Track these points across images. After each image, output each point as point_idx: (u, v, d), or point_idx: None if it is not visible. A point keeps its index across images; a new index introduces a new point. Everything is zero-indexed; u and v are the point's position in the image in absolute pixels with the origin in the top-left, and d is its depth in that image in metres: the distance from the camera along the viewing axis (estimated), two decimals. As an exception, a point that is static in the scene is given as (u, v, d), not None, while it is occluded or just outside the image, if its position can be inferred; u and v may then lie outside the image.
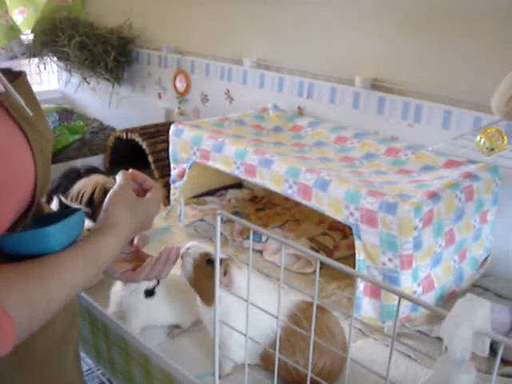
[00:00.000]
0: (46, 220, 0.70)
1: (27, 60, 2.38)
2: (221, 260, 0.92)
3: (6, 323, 0.56)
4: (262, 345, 0.89)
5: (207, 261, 0.94)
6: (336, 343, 0.91)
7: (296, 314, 0.91)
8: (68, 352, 0.85)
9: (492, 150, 1.02)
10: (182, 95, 2.07)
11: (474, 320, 0.49)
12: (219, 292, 0.82)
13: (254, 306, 0.78)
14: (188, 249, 0.96)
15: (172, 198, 1.52)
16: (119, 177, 0.80)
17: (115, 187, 0.78)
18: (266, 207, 1.64)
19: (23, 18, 2.21)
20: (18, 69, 0.75)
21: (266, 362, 0.93)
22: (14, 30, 2.26)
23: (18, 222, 0.67)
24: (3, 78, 0.65)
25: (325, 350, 0.89)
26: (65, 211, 0.75)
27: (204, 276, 0.93)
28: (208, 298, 0.93)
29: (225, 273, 0.91)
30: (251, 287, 0.79)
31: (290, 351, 0.89)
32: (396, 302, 1.04)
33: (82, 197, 1.30)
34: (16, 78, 0.71)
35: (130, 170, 0.83)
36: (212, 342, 0.86)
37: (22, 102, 0.67)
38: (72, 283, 0.65)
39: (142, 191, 0.83)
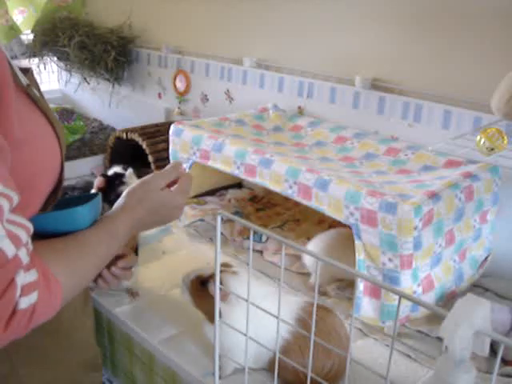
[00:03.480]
0: (65, 204, 0.80)
1: (27, 60, 2.38)
2: (210, 276, 0.93)
3: (56, 288, 0.64)
4: (272, 352, 0.88)
5: (201, 283, 0.95)
6: (342, 344, 0.91)
7: (303, 317, 0.91)
8: (88, 321, 1.00)
9: (492, 149, 1.02)
10: (181, 95, 2.07)
11: (473, 320, 0.49)
12: (219, 293, 0.82)
13: (259, 314, 0.78)
14: (183, 280, 0.98)
15: (172, 197, 1.52)
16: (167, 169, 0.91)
17: (146, 177, 0.89)
18: (266, 207, 1.64)
19: (23, 18, 2.21)
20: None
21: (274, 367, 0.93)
22: (13, 30, 2.26)
23: (47, 201, 0.77)
24: (20, 72, 0.72)
25: (333, 351, 0.89)
26: (80, 195, 0.87)
27: (202, 299, 0.94)
28: (211, 317, 0.94)
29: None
30: (255, 295, 0.79)
31: (299, 355, 0.89)
32: (396, 302, 1.04)
33: None
34: (25, 73, 0.77)
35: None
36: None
37: (38, 95, 0.75)
38: (101, 254, 0.76)
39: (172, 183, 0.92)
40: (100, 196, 0.83)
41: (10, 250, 0.59)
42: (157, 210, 0.86)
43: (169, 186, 0.90)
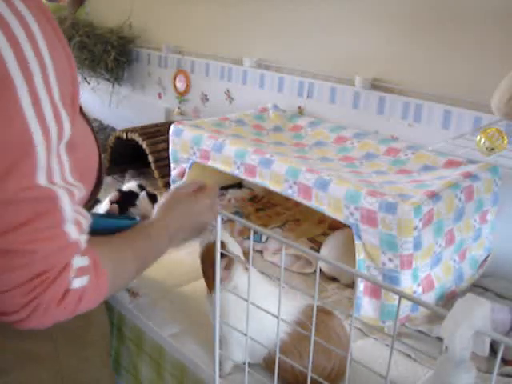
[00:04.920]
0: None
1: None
2: (231, 260, 0.93)
3: (103, 277, 0.69)
4: (266, 348, 0.88)
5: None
6: (343, 346, 0.91)
7: (303, 320, 0.91)
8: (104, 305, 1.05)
9: (492, 149, 1.02)
10: (181, 95, 2.07)
11: (473, 320, 0.49)
12: (219, 291, 0.82)
13: (258, 311, 0.78)
14: (204, 237, 0.96)
15: (172, 197, 1.52)
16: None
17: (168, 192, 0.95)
18: (266, 207, 1.64)
19: (23, 18, 2.21)
20: None
21: (269, 366, 0.93)
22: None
23: (89, 199, 0.84)
24: None
25: (333, 353, 0.89)
26: (119, 216, 0.97)
27: (208, 262, 0.93)
28: (209, 284, 0.94)
29: (226, 267, 0.91)
30: (256, 293, 0.79)
31: (296, 356, 0.89)
32: (396, 302, 1.04)
33: None
34: None
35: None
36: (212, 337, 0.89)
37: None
38: (139, 255, 0.80)
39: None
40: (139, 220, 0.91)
41: (73, 234, 0.65)
42: (185, 213, 0.90)
43: None
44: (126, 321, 1.19)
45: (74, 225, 0.66)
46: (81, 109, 0.79)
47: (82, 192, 0.68)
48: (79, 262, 0.66)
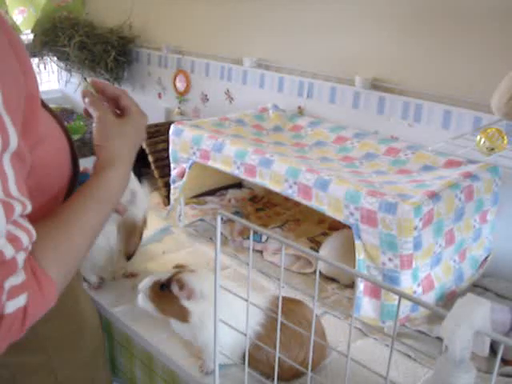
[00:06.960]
0: None
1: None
2: (169, 280, 0.94)
3: (48, 283, 0.61)
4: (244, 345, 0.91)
5: (160, 287, 0.96)
6: (315, 333, 0.92)
7: (272, 309, 0.93)
8: (95, 308, 1.06)
9: (492, 149, 1.02)
10: (181, 95, 2.07)
11: (473, 320, 0.49)
12: (218, 290, 0.82)
13: (232, 307, 0.82)
14: (140, 290, 0.98)
15: (172, 197, 1.52)
16: (93, 108, 0.81)
17: (96, 122, 0.80)
18: (266, 207, 1.64)
19: (23, 18, 2.21)
20: None
21: (249, 360, 0.94)
22: (13, 30, 2.26)
23: (68, 192, 0.80)
24: None
25: (305, 340, 0.91)
26: None
27: (164, 303, 0.95)
28: (179, 317, 0.95)
29: (181, 287, 0.93)
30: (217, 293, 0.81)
31: (272, 347, 0.90)
32: (396, 302, 1.04)
33: None
34: None
35: (89, 80, 0.88)
36: (194, 347, 0.92)
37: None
38: (91, 227, 0.71)
39: (113, 104, 0.86)
40: None
41: (8, 251, 0.56)
42: (133, 138, 0.84)
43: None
44: (113, 326, 1.19)
45: (9, 241, 0.56)
46: (44, 103, 0.76)
47: (26, 208, 0.59)
48: (11, 281, 0.56)
